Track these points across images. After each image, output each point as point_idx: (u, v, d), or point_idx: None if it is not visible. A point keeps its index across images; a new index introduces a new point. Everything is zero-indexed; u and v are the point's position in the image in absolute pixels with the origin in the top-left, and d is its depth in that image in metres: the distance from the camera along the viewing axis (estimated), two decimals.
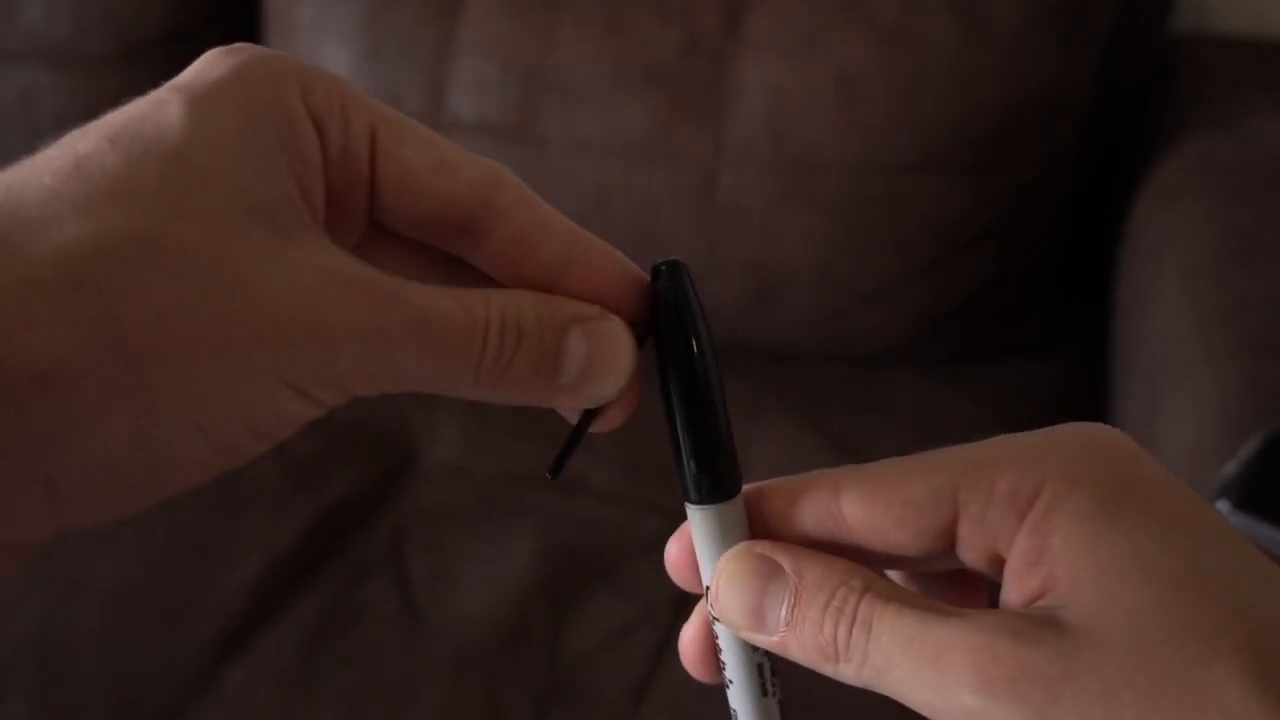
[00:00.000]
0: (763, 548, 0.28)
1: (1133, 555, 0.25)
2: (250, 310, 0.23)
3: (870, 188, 1.01)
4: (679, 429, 0.28)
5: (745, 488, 0.29)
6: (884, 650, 0.26)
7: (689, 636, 0.30)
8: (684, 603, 0.87)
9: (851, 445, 0.96)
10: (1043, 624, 0.25)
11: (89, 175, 0.23)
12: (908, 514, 0.27)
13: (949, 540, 0.27)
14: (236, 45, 0.26)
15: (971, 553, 0.27)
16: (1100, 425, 0.28)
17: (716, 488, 0.28)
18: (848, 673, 0.27)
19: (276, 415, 0.24)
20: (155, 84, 0.26)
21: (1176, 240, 0.94)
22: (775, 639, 0.27)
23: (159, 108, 0.24)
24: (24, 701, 0.82)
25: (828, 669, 0.27)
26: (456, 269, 0.29)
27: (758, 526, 0.29)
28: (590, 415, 0.29)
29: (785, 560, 0.28)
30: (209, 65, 0.25)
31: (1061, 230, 1.10)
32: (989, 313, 1.08)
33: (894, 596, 0.26)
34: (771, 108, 1.00)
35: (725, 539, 0.29)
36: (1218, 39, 1.18)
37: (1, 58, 1.21)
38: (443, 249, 0.28)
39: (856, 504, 0.28)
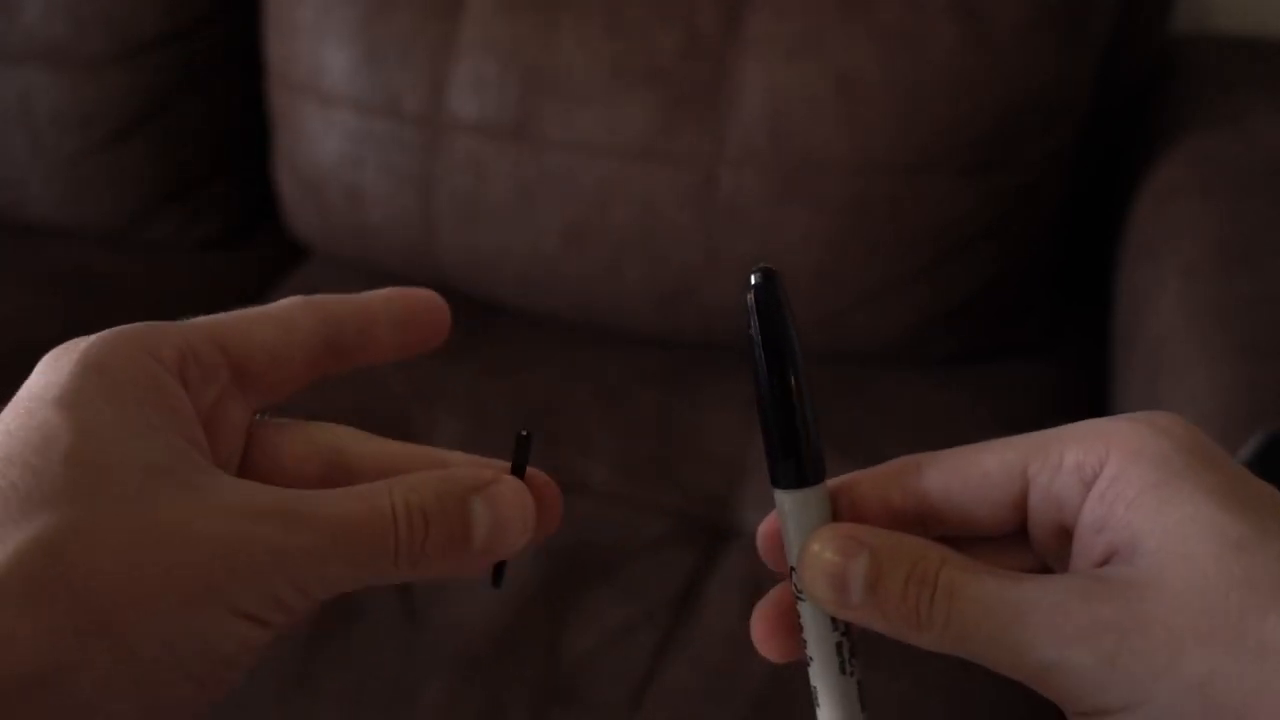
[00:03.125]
0: (845, 528, 0.30)
1: (1193, 518, 0.27)
2: (184, 562, 0.26)
3: (870, 188, 1.01)
4: (771, 421, 0.31)
5: (831, 480, 0.32)
6: (965, 615, 0.28)
7: (761, 614, 0.32)
8: (684, 604, 0.87)
9: (851, 445, 0.96)
10: (1111, 582, 0.27)
11: (4, 496, 0.25)
12: (984, 487, 0.30)
13: (1021, 514, 0.30)
14: (71, 342, 0.29)
15: (1039, 528, 0.30)
16: (1161, 411, 0.29)
17: (802, 474, 0.31)
18: (929, 639, 0.29)
19: (239, 642, 0.27)
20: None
21: (1176, 240, 0.94)
22: (859, 611, 0.30)
23: (32, 417, 0.27)
24: None
25: (910, 637, 0.29)
26: None
27: (843, 512, 0.31)
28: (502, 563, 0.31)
29: (866, 538, 0.30)
30: (55, 366, 0.28)
31: (1061, 230, 1.10)
32: (989, 313, 1.08)
33: (971, 567, 0.29)
34: (771, 108, 1.00)
35: (810, 522, 0.31)
36: (1218, 39, 1.18)
37: (1, 58, 1.21)
38: (333, 371, 0.32)
39: (937, 480, 0.30)
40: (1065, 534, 0.30)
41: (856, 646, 0.32)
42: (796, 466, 0.31)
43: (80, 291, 1.21)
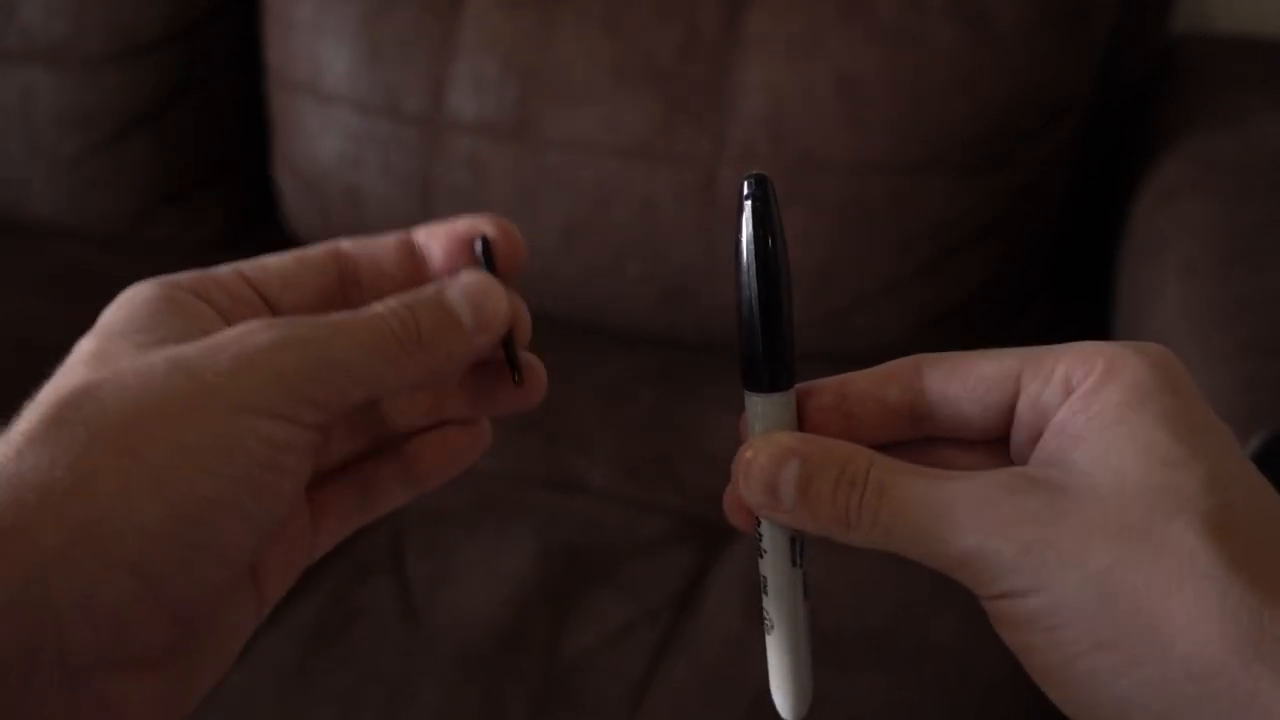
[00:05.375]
0: (776, 436, 0.32)
1: (1134, 435, 0.29)
2: (193, 379, 0.28)
3: (870, 188, 1.01)
4: (748, 323, 0.32)
5: (828, 378, 0.33)
6: (892, 512, 0.30)
7: (731, 495, 0.33)
8: (684, 604, 0.87)
9: None
10: (1038, 480, 0.29)
11: (39, 395, 0.30)
12: (979, 388, 0.31)
13: (1009, 420, 0.31)
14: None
15: (1023, 431, 0.31)
16: (1156, 344, 0.31)
17: (774, 379, 0.32)
18: (858, 537, 0.30)
19: (268, 443, 0.28)
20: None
21: (1176, 239, 0.94)
22: (791, 515, 0.31)
23: (77, 345, 0.31)
24: None
25: (840, 536, 0.31)
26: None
27: (836, 409, 0.33)
28: (510, 343, 0.35)
29: (796, 445, 0.31)
30: (107, 311, 0.33)
31: (1061, 230, 1.10)
32: (989, 312, 1.08)
33: (899, 468, 0.30)
34: (771, 108, 1.00)
35: (774, 426, 0.32)
36: (1218, 39, 1.18)
37: (1, 58, 1.21)
38: (338, 309, 0.34)
39: (935, 380, 0.32)
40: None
41: (806, 543, 0.33)
42: (769, 371, 0.32)
43: (80, 291, 1.20)
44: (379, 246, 0.35)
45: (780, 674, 0.34)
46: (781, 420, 0.33)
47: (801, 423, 0.33)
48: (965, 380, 0.32)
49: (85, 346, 0.31)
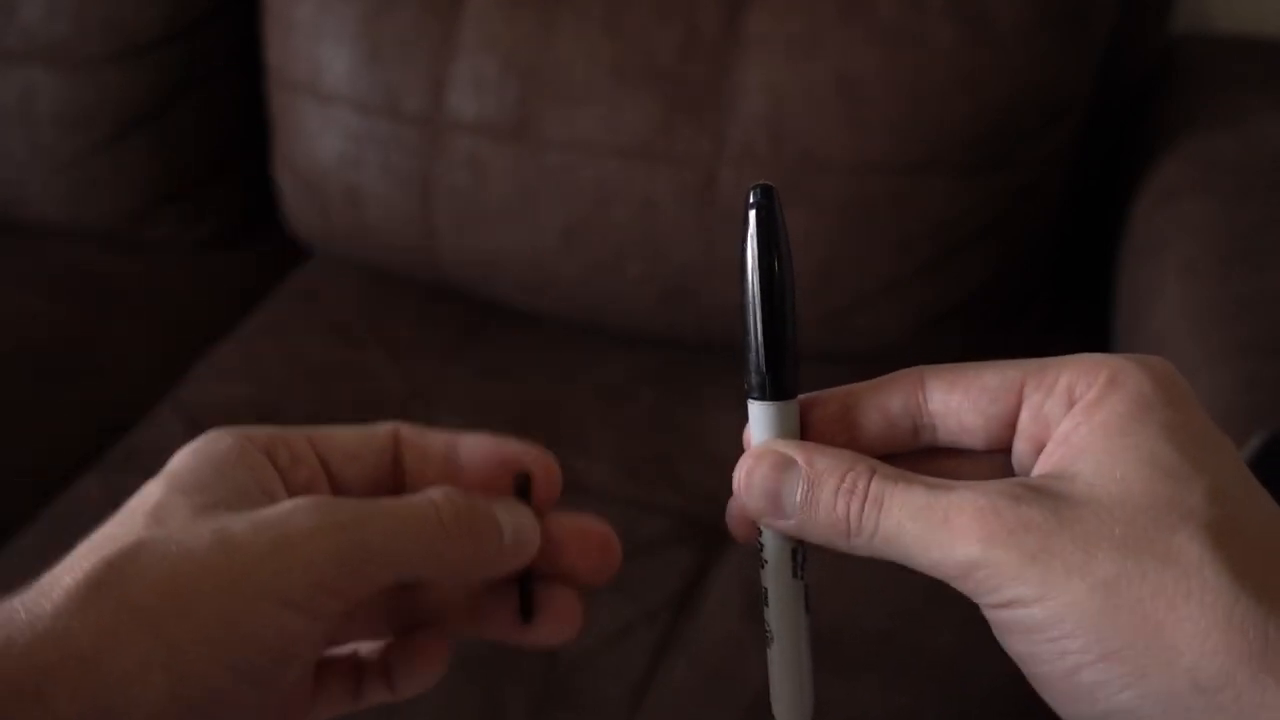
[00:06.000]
0: (778, 444, 0.32)
1: (1138, 446, 0.29)
2: (227, 559, 0.30)
3: (870, 188, 1.01)
4: (752, 332, 0.32)
5: (832, 388, 0.33)
6: (894, 520, 0.30)
7: (733, 506, 0.34)
8: (684, 604, 0.87)
9: None
10: (1042, 489, 0.29)
11: (96, 537, 0.32)
12: (982, 399, 0.32)
13: (1011, 431, 0.32)
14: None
15: (1025, 442, 0.31)
16: (1158, 357, 0.31)
17: (778, 388, 0.32)
18: (858, 546, 0.31)
19: (282, 633, 0.30)
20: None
21: (1176, 239, 0.94)
22: (793, 523, 0.31)
23: (144, 489, 0.33)
24: None
25: (841, 545, 0.31)
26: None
27: (839, 419, 0.33)
28: (529, 578, 0.36)
29: (798, 454, 0.31)
30: (176, 456, 0.34)
31: (1061, 230, 1.10)
32: (989, 312, 1.08)
33: (900, 476, 0.30)
34: (771, 108, 1.00)
35: (777, 434, 0.32)
36: (1218, 39, 1.18)
37: (1, 58, 1.21)
38: (385, 491, 0.36)
39: (938, 390, 0.32)
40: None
41: (808, 554, 0.33)
42: (773, 380, 0.32)
43: (80, 291, 1.21)
44: (431, 439, 0.37)
45: (781, 687, 0.34)
46: (784, 429, 0.33)
47: (805, 433, 0.33)
48: (968, 391, 0.32)
49: (151, 495, 0.33)
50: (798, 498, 0.31)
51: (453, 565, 0.34)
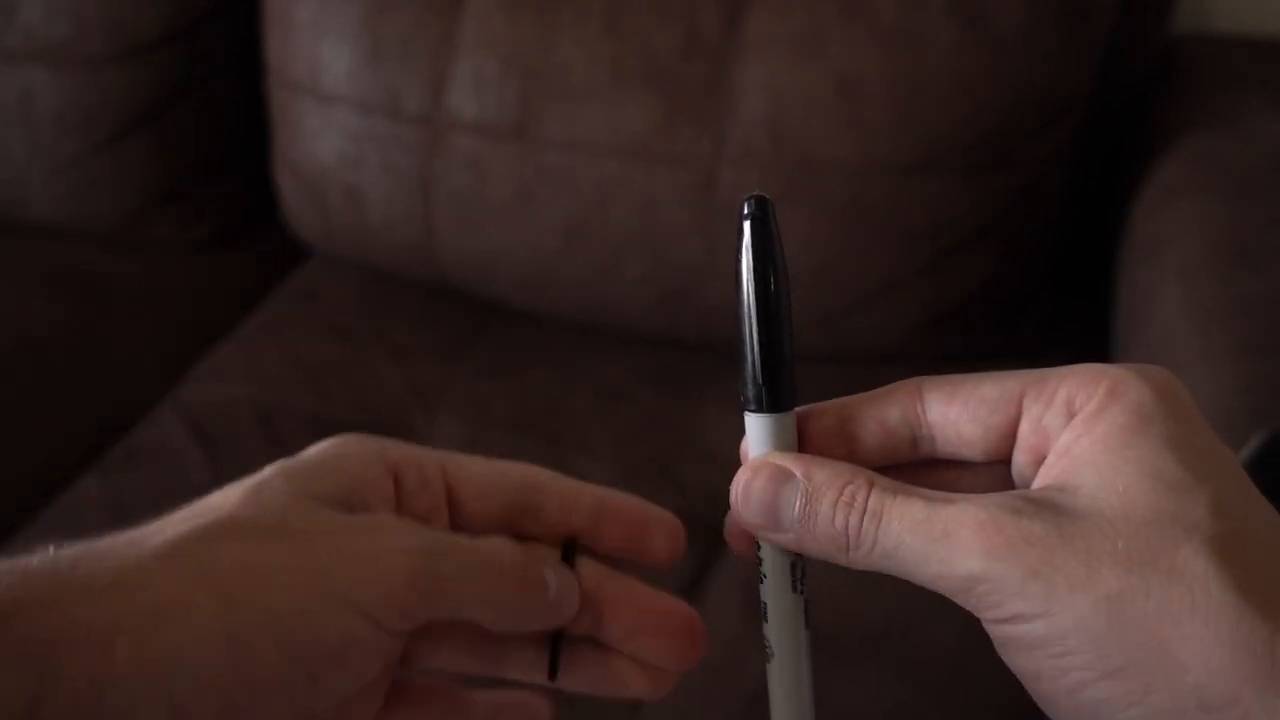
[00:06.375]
0: (775, 457, 0.32)
1: (1140, 459, 0.28)
2: (310, 553, 0.31)
3: (870, 188, 1.01)
4: (747, 343, 0.32)
5: (829, 401, 0.33)
6: (894, 534, 0.29)
7: (732, 520, 0.34)
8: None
9: None
10: (1043, 502, 0.29)
11: (197, 504, 0.33)
12: (981, 410, 0.31)
13: (1010, 443, 0.31)
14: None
15: (1025, 453, 0.31)
16: (1157, 366, 0.31)
17: (774, 400, 0.32)
18: (857, 559, 0.30)
19: (345, 637, 0.30)
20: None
21: (1176, 239, 0.94)
22: (791, 536, 0.31)
23: (264, 469, 0.34)
24: None
25: (839, 558, 0.31)
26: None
27: (837, 431, 0.33)
28: (561, 637, 0.37)
29: (795, 467, 0.31)
30: (310, 448, 0.35)
31: (1061, 230, 1.10)
32: (989, 312, 1.08)
33: (899, 489, 0.30)
34: (771, 108, 1.00)
35: (774, 447, 0.32)
36: (1218, 39, 1.18)
37: (1, 58, 1.21)
38: (516, 531, 0.36)
39: (936, 402, 0.32)
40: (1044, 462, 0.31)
41: (808, 568, 0.33)
42: (769, 392, 0.32)
43: (80, 291, 1.20)
44: (581, 491, 0.37)
45: (780, 704, 0.34)
46: (781, 442, 0.32)
47: (802, 445, 0.33)
48: (966, 402, 0.32)
49: (260, 474, 0.33)
50: (795, 511, 0.31)
51: (504, 612, 0.34)
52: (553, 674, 0.38)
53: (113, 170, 1.24)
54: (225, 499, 0.32)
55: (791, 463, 0.31)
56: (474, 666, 0.38)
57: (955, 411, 0.32)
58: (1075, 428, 0.30)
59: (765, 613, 0.33)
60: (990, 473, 0.32)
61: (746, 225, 0.32)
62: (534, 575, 0.34)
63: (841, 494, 0.30)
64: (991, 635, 0.29)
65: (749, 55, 1.00)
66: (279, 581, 0.30)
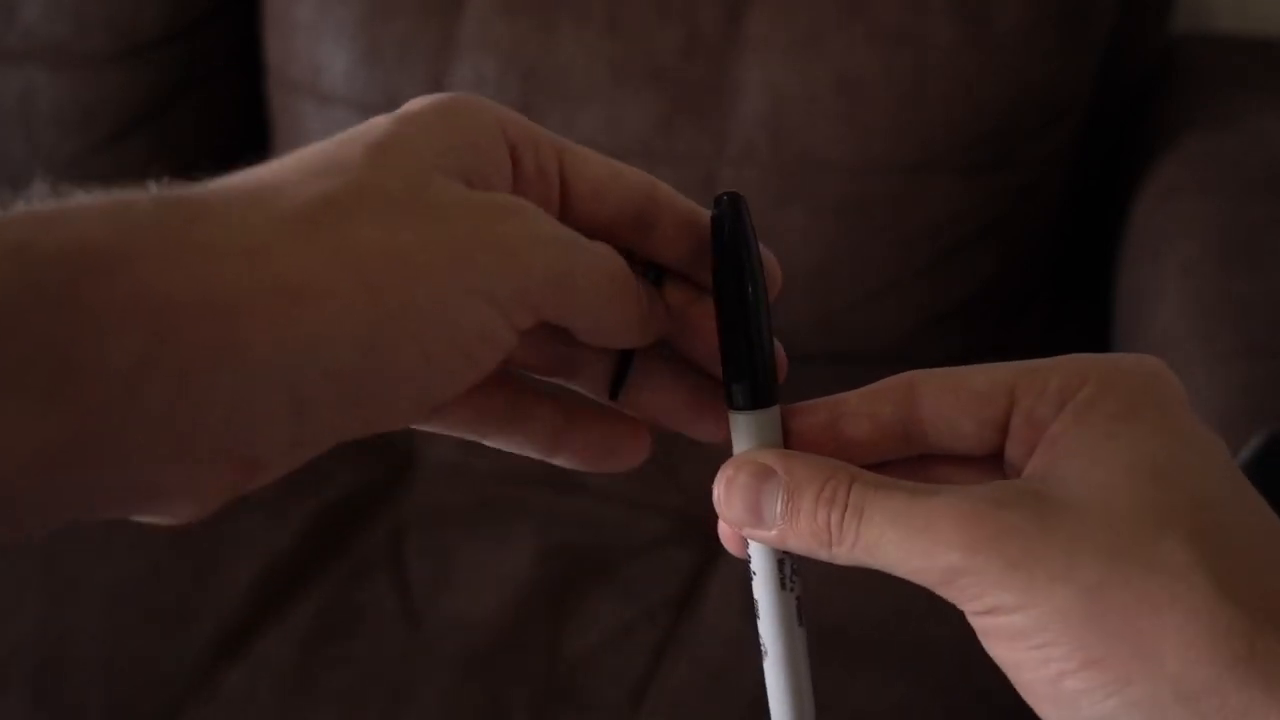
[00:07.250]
0: (756, 454, 0.31)
1: (1128, 450, 0.28)
2: (448, 236, 0.28)
3: (870, 188, 1.01)
4: (727, 342, 0.32)
5: (820, 398, 0.33)
6: (876, 528, 0.29)
7: (724, 525, 0.33)
8: (684, 604, 0.87)
9: None
10: (1025, 493, 0.29)
11: (312, 158, 0.30)
12: (973, 404, 0.31)
13: (1003, 436, 0.31)
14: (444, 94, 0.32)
15: (1018, 446, 0.31)
16: (1150, 356, 0.31)
17: (755, 397, 0.32)
18: (840, 554, 0.30)
19: (481, 333, 0.28)
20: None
21: (1177, 239, 0.94)
22: (774, 533, 0.31)
23: (371, 121, 0.30)
24: (22, 702, 0.82)
25: (822, 554, 0.30)
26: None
27: (828, 428, 0.32)
28: (632, 357, 0.34)
29: (777, 463, 0.31)
30: (417, 100, 0.31)
31: (1062, 230, 1.10)
32: (989, 312, 1.08)
33: (881, 482, 0.30)
34: (771, 108, 1.00)
35: (757, 444, 0.32)
36: (1218, 39, 1.18)
37: (1, 57, 1.21)
38: (621, 243, 0.33)
39: (929, 396, 0.31)
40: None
41: (798, 565, 0.33)
42: (750, 389, 0.32)
43: None
44: (696, 210, 0.34)
45: (778, 702, 0.34)
46: (764, 439, 0.32)
47: (793, 442, 0.32)
48: (958, 396, 0.31)
49: (378, 125, 0.30)
50: (778, 508, 0.30)
51: (606, 322, 0.31)
52: (614, 393, 0.35)
53: (113, 170, 1.24)
54: (349, 155, 0.29)
55: (773, 459, 0.31)
56: (543, 372, 0.35)
57: (948, 405, 0.31)
58: (1065, 417, 0.30)
59: (757, 610, 0.33)
60: (984, 466, 0.32)
61: (719, 223, 0.32)
62: (635, 291, 0.32)
63: (823, 489, 0.30)
64: (974, 627, 0.29)
65: (749, 55, 1.00)
66: (419, 268, 0.27)
